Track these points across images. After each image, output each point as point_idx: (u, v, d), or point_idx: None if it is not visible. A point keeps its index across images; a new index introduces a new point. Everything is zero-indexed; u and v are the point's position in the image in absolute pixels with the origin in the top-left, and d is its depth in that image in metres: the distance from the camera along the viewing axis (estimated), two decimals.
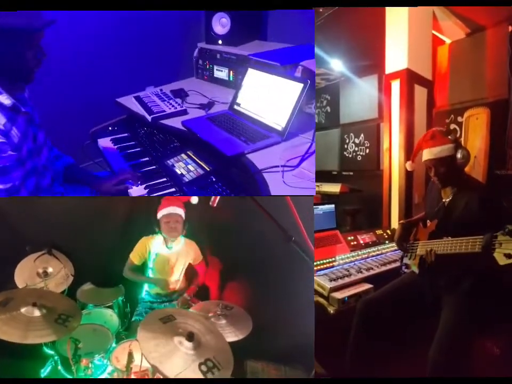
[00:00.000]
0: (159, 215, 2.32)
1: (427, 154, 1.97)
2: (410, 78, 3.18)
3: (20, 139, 1.62)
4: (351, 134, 4.38)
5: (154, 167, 2.30)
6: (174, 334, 1.54)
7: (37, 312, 1.65)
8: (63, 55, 3.12)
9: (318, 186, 3.83)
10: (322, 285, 2.28)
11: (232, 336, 1.91)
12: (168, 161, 2.25)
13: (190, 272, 2.47)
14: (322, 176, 4.22)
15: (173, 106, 2.62)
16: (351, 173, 4.43)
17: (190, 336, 1.51)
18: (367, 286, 2.35)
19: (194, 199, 2.18)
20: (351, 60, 4.08)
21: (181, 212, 2.32)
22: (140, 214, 2.45)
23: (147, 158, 2.40)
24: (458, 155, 1.90)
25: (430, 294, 1.99)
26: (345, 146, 4.47)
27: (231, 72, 2.95)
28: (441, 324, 1.83)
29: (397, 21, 3.20)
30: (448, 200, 2.00)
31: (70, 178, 2.11)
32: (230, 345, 1.65)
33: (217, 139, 2.15)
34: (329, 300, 2.23)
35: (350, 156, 4.41)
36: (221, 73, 3.04)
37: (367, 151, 4.18)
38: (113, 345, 1.89)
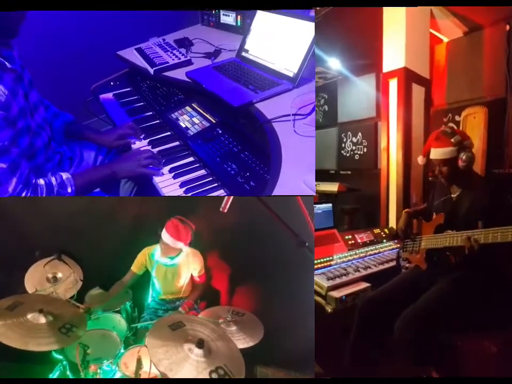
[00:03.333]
0: (162, 234, 2.20)
1: (432, 154, 2.04)
2: (407, 77, 3.17)
3: (8, 97, 1.54)
4: (349, 133, 4.37)
5: (158, 121, 2.23)
6: (183, 341, 1.51)
7: (42, 319, 1.62)
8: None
9: (315, 185, 3.82)
10: (320, 284, 2.28)
11: (242, 343, 1.87)
12: (172, 115, 2.18)
13: (192, 284, 2.43)
14: (320, 175, 4.18)
15: (176, 57, 2.51)
16: (349, 172, 4.42)
17: (200, 343, 1.48)
18: (364, 284, 2.35)
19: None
20: (348, 59, 4.07)
21: (181, 245, 2.22)
22: (148, 217, 2.40)
23: (150, 112, 2.33)
24: (462, 157, 1.94)
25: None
26: (343, 145, 4.47)
27: (239, 16, 2.80)
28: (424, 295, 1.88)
29: (395, 19, 3.19)
30: (456, 195, 2.06)
31: (72, 135, 2.08)
32: (239, 351, 1.62)
33: (223, 89, 2.08)
34: (327, 299, 2.23)
35: (348, 154, 4.40)
36: (228, 18, 2.88)
37: (365, 150, 4.17)
38: (122, 350, 1.87)
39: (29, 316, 1.62)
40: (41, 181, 1.67)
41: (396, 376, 1.84)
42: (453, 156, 1.95)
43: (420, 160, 2.23)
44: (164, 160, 1.95)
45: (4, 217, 2.23)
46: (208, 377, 1.39)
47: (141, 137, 2.10)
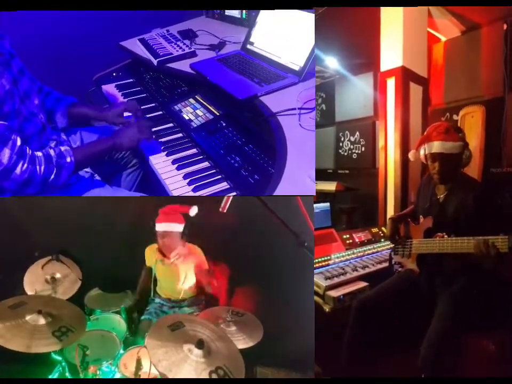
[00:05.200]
0: (156, 228, 2.16)
1: (438, 147, 1.90)
2: (405, 76, 3.17)
3: None
4: (347, 132, 4.37)
5: (160, 112, 2.23)
6: (183, 341, 1.49)
7: (41, 320, 1.59)
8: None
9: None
10: (318, 283, 2.27)
11: (242, 343, 1.84)
12: (175, 107, 2.17)
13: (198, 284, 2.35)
14: (317, 174, 4.17)
15: (180, 48, 2.50)
16: (347, 171, 4.42)
17: (200, 344, 1.46)
18: (362, 284, 2.34)
19: (193, 211, 2.08)
20: (346, 58, 4.07)
21: (176, 227, 2.16)
22: (148, 217, 2.35)
23: (153, 104, 2.33)
24: (464, 155, 1.90)
25: (428, 292, 1.99)
26: (341, 144, 4.46)
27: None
28: (434, 320, 1.83)
29: (392, 18, 3.20)
30: (442, 196, 1.99)
31: (76, 118, 2.07)
32: (239, 352, 1.60)
33: (228, 81, 2.07)
34: (325, 298, 2.22)
35: (346, 154, 4.40)
36: (233, 10, 2.88)
37: (363, 149, 4.17)
38: (121, 351, 1.85)
39: (28, 318, 1.58)
40: (39, 153, 1.64)
41: (394, 376, 1.84)
42: (460, 152, 1.88)
43: (412, 155, 2.13)
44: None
45: (3, 217, 2.19)
46: (208, 377, 1.37)
47: (139, 115, 2.10)
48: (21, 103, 1.69)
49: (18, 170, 1.56)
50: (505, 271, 1.90)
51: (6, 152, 1.52)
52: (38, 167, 1.61)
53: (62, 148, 1.71)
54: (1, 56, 1.62)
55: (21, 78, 1.75)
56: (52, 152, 1.67)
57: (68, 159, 1.70)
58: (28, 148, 1.60)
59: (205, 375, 1.38)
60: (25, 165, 1.57)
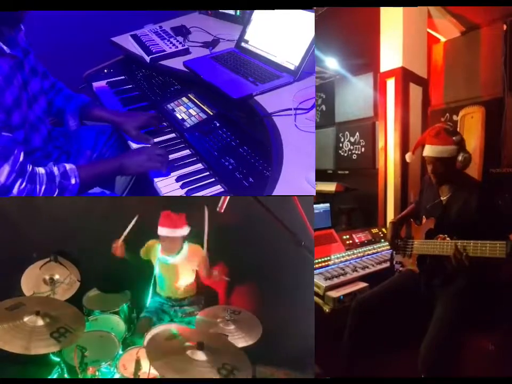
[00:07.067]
0: (158, 231, 2.15)
1: (428, 150, 1.93)
2: (405, 76, 3.17)
3: (0, 82, 1.43)
4: (346, 132, 4.36)
5: (153, 111, 2.19)
6: (183, 348, 1.50)
7: (39, 322, 1.59)
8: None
9: None
10: (317, 284, 2.27)
11: (242, 342, 1.84)
12: (168, 106, 2.13)
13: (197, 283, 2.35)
14: (317, 175, 4.16)
15: (173, 45, 2.46)
16: (347, 172, 4.41)
17: (200, 345, 1.47)
18: (362, 284, 2.35)
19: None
20: (346, 58, 4.06)
21: (179, 233, 2.16)
22: (146, 217, 2.32)
23: (145, 103, 2.28)
24: (459, 158, 1.87)
25: (426, 293, 1.99)
26: (340, 145, 4.45)
27: None
28: (433, 321, 1.83)
29: (392, 19, 3.20)
30: (446, 198, 1.99)
31: (88, 118, 2.02)
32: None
33: (222, 80, 2.04)
34: (325, 299, 2.23)
35: (345, 154, 4.39)
36: None
37: (363, 149, 4.16)
38: (120, 352, 1.85)
39: (26, 319, 1.58)
40: (41, 170, 1.54)
41: (393, 376, 1.84)
42: (452, 156, 1.87)
43: (408, 157, 2.16)
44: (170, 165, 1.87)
45: (1, 217, 2.19)
46: (217, 374, 1.38)
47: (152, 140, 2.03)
48: (28, 109, 1.62)
49: (15, 190, 1.47)
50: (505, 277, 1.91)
51: (6, 168, 1.43)
52: (38, 186, 1.52)
53: (68, 167, 1.61)
54: (14, 58, 1.54)
55: (32, 79, 1.69)
56: (55, 170, 1.58)
57: (73, 181, 1.59)
58: (29, 165, 1.51)
59: (213, 373, 1.38)
60: (24, 184, 1.48)
